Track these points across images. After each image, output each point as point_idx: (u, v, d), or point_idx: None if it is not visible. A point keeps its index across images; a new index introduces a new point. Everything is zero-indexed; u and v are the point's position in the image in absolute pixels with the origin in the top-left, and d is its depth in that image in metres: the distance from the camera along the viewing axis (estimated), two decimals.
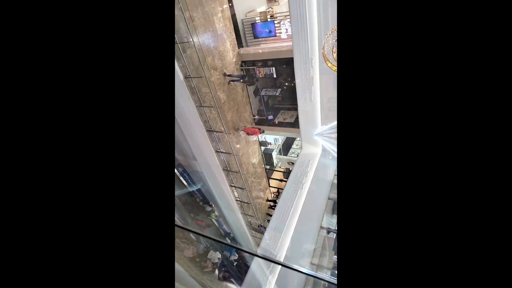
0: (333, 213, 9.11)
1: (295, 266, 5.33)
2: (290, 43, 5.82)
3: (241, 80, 7.35)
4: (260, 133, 7.70)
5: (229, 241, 7.93)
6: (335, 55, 4.41)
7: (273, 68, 7.31)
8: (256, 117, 8.72)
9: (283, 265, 5.83)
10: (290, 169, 8.95)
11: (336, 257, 8.01)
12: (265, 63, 7.44)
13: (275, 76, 7.50)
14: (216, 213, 7.60)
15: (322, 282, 7.85)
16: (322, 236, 8.00)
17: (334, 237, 8.53)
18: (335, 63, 4.37)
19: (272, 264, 5.66)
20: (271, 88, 8.37)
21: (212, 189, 6.75)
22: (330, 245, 8.31)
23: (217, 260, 7.61)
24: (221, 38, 7.02)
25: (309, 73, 5.61)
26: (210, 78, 6.60)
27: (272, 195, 10.15)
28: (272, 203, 9.88)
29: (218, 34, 6.90)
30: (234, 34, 7.41)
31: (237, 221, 7.37)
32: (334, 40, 4.07)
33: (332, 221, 9.08)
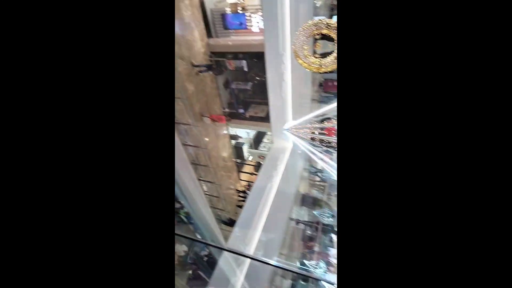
0: (301, 205, 9.44)
1: (264, 258, 5.43)
2: (262, 37, 5.71)
3: (208, 70, 7.09)
4: (227, 121, 7.59)
5: (199, 236, 7.82)
6: (305, 51, 4.42)
7: (244, 61, 7.16)
8: (227, 110, 8.55)
9: (250, 258, 5.91)
10: (261, 162, 9.00)
11: (304, 245, 8.36)
12: (235, 55, 7.24)
13: (246, 69, 7.35)
14: (185, 209, 7.40)
15: (292, 275, 8.16)
16: (291, 227, 8.25)
17: (303, 228, 8.88)
18: (306, 60, 4.38)
19: (241, 257, 5.70)
20: (242, 82, 8.22)
21: (178, 183, 6.52)
22: (299, 235, 8.64)
23: (183, 253, 7.47)
24: (188, 26, 6.63)
25: (281, 68, 5.58)
26: (176, 67, 6.25)
27: (243, 188, 10.17)
28: (242, 194, 9.90)
29: (185, 22, 6.51)
30: (203, 24, 7.05)
31: (206, 215, 7.27)
32: (305, 37, 4.06)
33: (300, 213, 9.42)
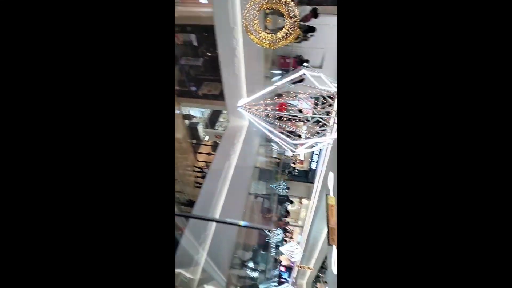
0: (259, 180, 9.83)
1: (229, 220, 5.55)
2: (211, 9, 5.39)
3: None
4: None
5: None
6: (256, 26, 4.34)
7: (193, 35, 6.73)
8: (177, 88, 8.09)
9: (217, 221, 6.08)
10: (218, 142, 8.93)
11: (262, 217, 8.86)
12: (183, 28, 6.75)
13: (196, 44, 6.94)
14: None
15: (252, 247, 8.63)
16: (250, 201, 8.59)
17: (261, 201, 9.35)
18: (257, 35, 4.32)
19: (202, 236, 5.80)
20: (192, 57, 7.78)
21: None
22: (258, 208, 9.09)
23: None
24: None
25: (232, 44, 5.42)
26: None
27: (200, 168, 10.06)
28: (200, 175, 9.83)
29: None
30: None
31: None
32: (255, 11, 3.97)
33: (258, 187, 9.83)
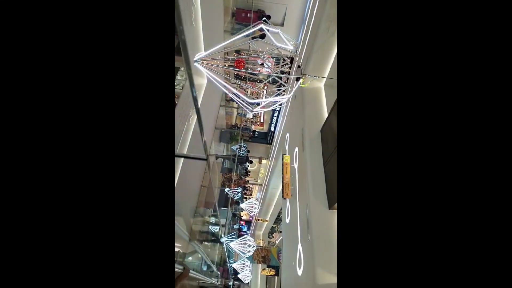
0: (219, 142, 9.87)
1: (196, 154, 5.55)
2: None
3: None
4: None
5: None
6: None
7: None
8: None
9: (185, 157, 6.08)
10: (176, 102, 8.50)
11: (223, 176, 9.15)
12: None
13: None
14: None
15: (213, 203, 8.93)
16: (211, 162, 8.72)
17: (221, 161, 9.53)
18: None
19: None
20: None
21: None
22: (219, 168, 9.31)
23: None
24: None
25: None
26: None
27: None
28: None
29: None
30: None
31: None
32: None
33: (219, 148, 9.91)
